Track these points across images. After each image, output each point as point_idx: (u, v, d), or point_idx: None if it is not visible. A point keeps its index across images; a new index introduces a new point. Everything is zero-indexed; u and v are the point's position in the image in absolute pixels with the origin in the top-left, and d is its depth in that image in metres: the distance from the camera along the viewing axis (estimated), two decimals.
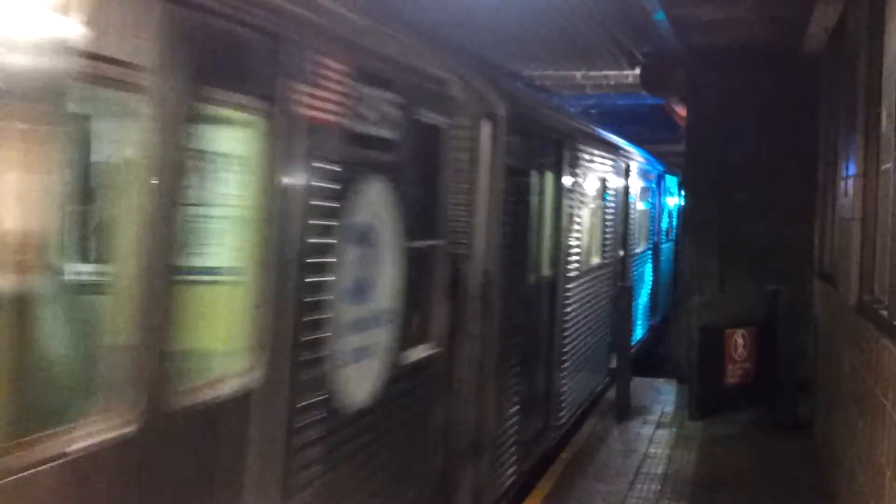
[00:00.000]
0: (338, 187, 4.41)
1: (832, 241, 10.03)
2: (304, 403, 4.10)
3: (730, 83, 13.16)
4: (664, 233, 20.11)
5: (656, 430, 10.99)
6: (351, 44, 4.59)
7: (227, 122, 3.73)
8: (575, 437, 10.48)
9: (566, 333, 9.91)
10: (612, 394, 12.03)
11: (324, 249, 4.28)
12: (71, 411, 2.79)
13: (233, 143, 3.86)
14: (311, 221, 4.14)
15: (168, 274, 3.13)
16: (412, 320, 5.54)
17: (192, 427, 3.29)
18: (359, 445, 4.73)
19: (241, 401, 3.59)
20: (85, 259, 3.76)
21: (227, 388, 3.52)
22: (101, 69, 2.77)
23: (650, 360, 15.53)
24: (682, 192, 16.41)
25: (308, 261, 4.11)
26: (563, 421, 10.00)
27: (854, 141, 8.00)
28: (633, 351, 12.58)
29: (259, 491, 3.74)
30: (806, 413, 10.91)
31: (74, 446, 2.67)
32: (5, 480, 2.43)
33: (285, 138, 3.90)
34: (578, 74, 14.37)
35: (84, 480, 2.74)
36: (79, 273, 3.71)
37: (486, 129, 6.80)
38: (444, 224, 6.12)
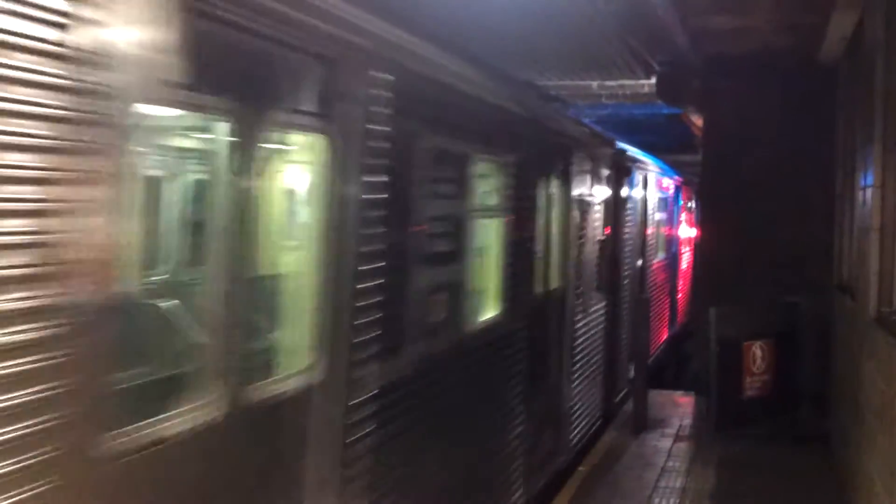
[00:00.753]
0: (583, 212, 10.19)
1: (850, 251, 9.93)
2: (577, 306, 9.67)
3: (746, 92, 13.07)
4: None
5: (674, 443, 10.91)
6: (592, 151, 10.51)
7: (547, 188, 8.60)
8: (592, 451, 10.42)
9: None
10: (629, 406, 11.96)
11: (582, 240, 9.92)
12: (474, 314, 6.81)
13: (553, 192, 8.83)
14: (576, 228, 9.61)
15: (500, 260, 7.31)
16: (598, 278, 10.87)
17: (493, 331, 7.07)
18: (590, 330, 10.39)
19: (535, 307, 8.28)
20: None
21: (501, 312, 7.32)
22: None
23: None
24: (699, 202, 16.47)
25: (578, 242, 9.38)
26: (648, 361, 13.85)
27: (872, 150, 7.93)
28: (680, 325, 19.45)
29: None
30: (825, 425, 10.81)
31: (471, 328, 6.61)
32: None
33: (569, 185, 9.28)
34: (594, 84, 14.30)
35: (478, 340, 6.71)
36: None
37: (614, 172, 11.67)
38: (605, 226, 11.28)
